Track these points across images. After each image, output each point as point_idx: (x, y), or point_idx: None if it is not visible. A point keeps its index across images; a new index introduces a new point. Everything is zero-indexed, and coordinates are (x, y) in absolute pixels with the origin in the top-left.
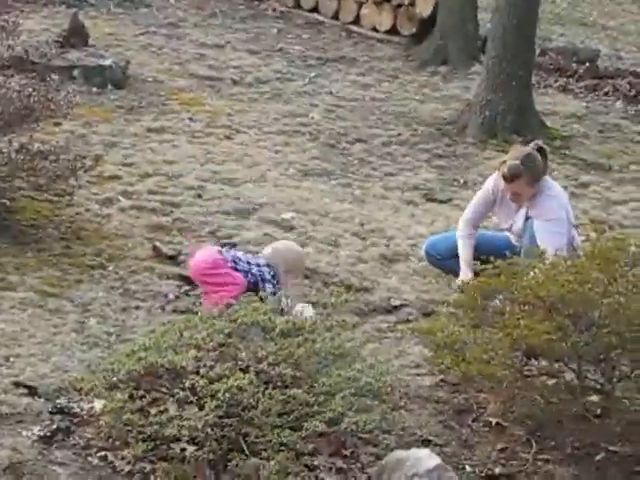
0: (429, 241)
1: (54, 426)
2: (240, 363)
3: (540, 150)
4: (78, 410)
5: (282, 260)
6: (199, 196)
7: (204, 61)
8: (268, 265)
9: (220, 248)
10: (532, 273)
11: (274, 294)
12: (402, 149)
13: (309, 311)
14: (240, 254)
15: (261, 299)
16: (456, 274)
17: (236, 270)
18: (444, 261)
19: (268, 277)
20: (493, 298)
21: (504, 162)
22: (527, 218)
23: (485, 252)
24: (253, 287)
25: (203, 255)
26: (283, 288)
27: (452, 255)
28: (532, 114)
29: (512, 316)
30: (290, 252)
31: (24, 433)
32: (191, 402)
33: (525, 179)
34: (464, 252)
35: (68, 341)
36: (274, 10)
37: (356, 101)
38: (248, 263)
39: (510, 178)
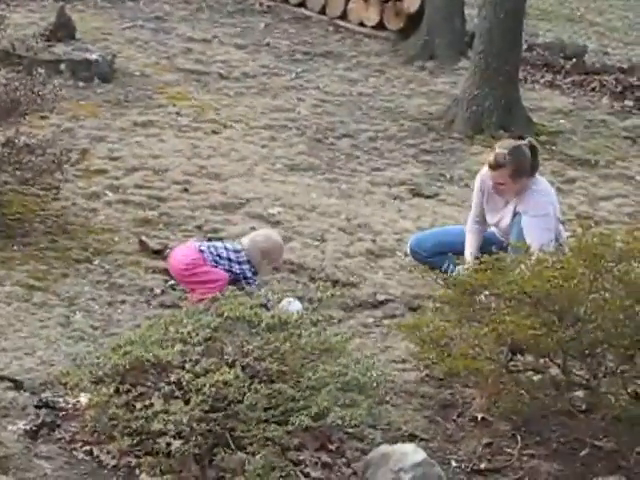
0: (414, 238)
1: (39, 420)
2: (226, 357)
3: (532, 148)
4: (64, 404)
5: (260, 251)
6: (186, 190)
7: (191, 55)
8: (249, 262)
9: (201, 245)
10: (518, 269)
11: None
12: (389, 144)
13: (296, 305)
14: (222, 250)
15: (244, 291)
16: (444, 271)
17: (216, 267)
18: (430, 258)
19: (249, 274)
20: (479, 293)
21: (493, 149)
22: (515, 214)
23: (452, 245)
24: (233, 284)
25: (181, 255)
26: (260, 277)
27: (438, 252)
28: (519, 109)
29: (498, 312)
30: (268, 242)
31: (9, 427)
32: (177, 396)
33: (508, 170)
34: (467, 243)
35: (54, 335)
36: (261, 5)
37: (343, 96)
38: (229, 260)
39: (494, 165)
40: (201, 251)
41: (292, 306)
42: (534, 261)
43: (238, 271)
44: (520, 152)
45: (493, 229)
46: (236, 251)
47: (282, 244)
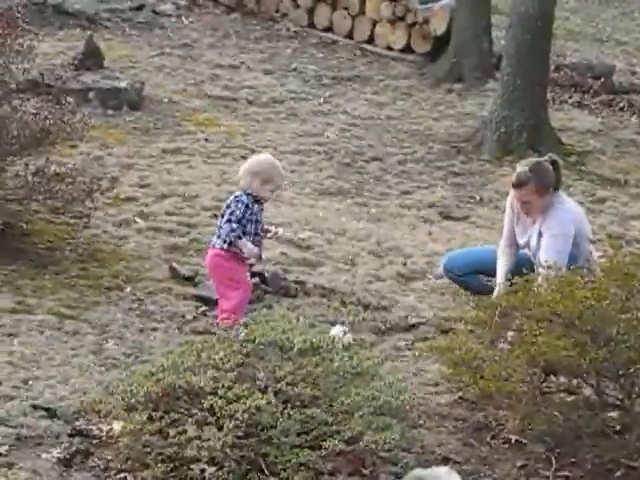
0: (447, 257)
1: (73, 448)
2: (258, 383)
3: (553, 163)
4: (97, 432)
5: (253, 175)
6: (215, 216)
7: (219, 81)
8: (238, 196)
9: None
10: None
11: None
12: (418, 167)
13: (348, 337)
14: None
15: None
16: (475, 291)
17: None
18: (463, 277)
19: (239, 206)
20: (511, 315)
21: (515, 169)
22: (540, 234)
23: (483, 262)
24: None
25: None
26: (264, 201)
27: (471, 271)
28: (547, 130)
29: (530, 333)
30: (258, 164)
31: (43, 455)
32: (210, 423)
33: (532, 187)
34: (499, 267)
35: (86, 363)
36: (288, 30)
37: (371, 120)
38: (232, 214)
39: (517, 184)
40: (211, 241)
41: (345, 338)
42: (564, 282)
43: (231, 209)
44: (542, 167)
45: (525, 250)
46: (229, 206)
47: (274, 162)
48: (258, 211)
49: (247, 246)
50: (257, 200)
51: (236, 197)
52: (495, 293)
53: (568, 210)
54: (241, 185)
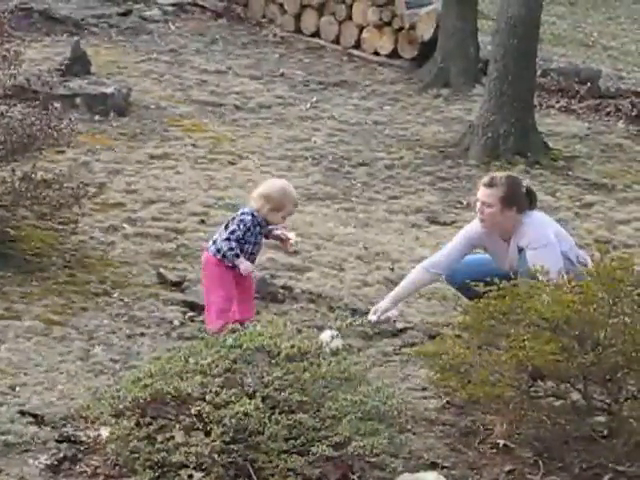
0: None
1: (61, 454)
2: (246, 388)
3: (529, 191)
4: (85, 438)
5: (265, 201)
6: (203, 222)
7: (206, 87)
8: (242, 216)
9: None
10: (542, 296)
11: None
12: (405, 172)
13: (338, 342)
14: (221, 229)
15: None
16: (470, 297)
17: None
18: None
19: (239, 233)
20: (499, 321)
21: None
22: (520, 250)
23: (488, 274)
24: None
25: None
26: (276, 226)
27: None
28: (534, 135)
29: (517, 338)
30: (267, 187)
31: (31, 462)
32: (197, 428)
33: (500, 191)
34: (405, 287)
35: (74, 369)
36: (275, 35)
37: (358, 125)
38: (232, 233)
39: (489, 183)
40: (206, 249)
41: (334, 342)
42: (553, 287)
43: (232, 227)
44: (517, 182)
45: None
46: (234, 218)
47: (286, 188)
48: (258, 233)
49: (243, 264)
50: (265, 222)
51: (241, 215)
52: (383, 304)
53: (538, 223)
54: (252, 205)
